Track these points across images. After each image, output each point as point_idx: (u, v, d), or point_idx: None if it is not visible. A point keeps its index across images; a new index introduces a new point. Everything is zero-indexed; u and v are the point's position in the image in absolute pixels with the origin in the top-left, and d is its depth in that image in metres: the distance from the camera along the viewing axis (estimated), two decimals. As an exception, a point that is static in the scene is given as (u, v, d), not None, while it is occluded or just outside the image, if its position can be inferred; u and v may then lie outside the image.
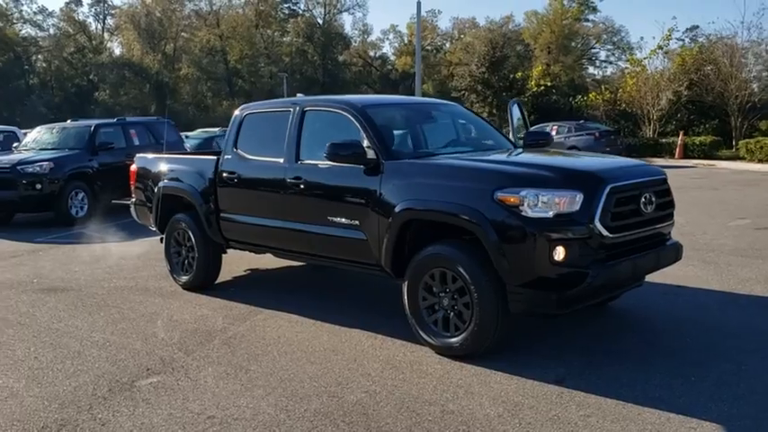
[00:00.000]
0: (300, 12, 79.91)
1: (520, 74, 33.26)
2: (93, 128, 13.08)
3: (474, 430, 3.57)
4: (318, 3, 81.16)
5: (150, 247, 9.21)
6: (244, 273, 7.61)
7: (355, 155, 5.03)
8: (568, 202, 4.21)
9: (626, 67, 68.65)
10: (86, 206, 12.36)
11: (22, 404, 4.13)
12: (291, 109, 5.85)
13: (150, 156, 7.56)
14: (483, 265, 4.39)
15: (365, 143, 5.12)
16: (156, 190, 7.04)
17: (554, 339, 4.95)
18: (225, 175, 6.26)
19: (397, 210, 4.77)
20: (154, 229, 7.39)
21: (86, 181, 12.42)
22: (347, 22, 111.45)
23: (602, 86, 31.99)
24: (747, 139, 22.72)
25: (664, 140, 25.16)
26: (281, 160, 5.76)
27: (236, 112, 6.50)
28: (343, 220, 5.23)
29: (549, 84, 31.83)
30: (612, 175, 4.48)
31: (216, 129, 22.16)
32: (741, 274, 6.70)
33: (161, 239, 7.47)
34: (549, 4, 72.43)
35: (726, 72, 25.55)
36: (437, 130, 5.97)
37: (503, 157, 5.33)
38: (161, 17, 71.82)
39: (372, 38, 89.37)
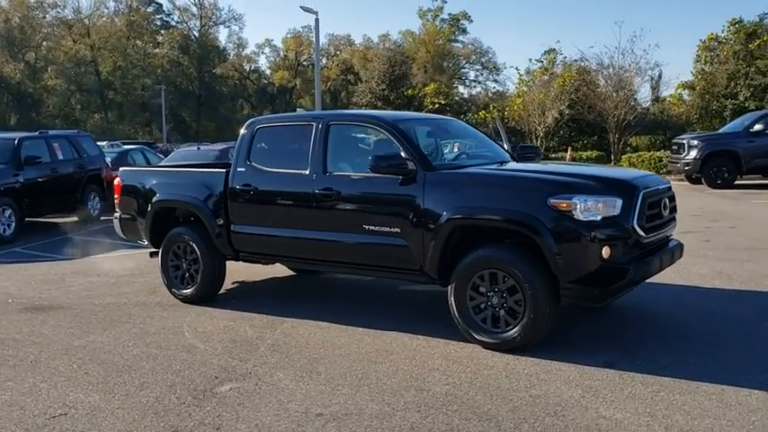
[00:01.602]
0: (174, 23, 77.90)
1: (411, 91, 34.38)
2: (17, 141, 12.42)
3: (569, 409, 4.01)
4: (194, 15, 79.60)
5: (109, 264, 9.05)
6: (233, 285, 7.66)
7: (398, 166, 5.37)
8: (611, 206, 4.78)
9: (494, 87, 72.23)
10: (13, 224, 11.71)
11: (115, 416, 4.13)
12: (314, 123, 6.07)
13: (137, 169, 7.48)
14: (535, 265, 4.86)
15: (403, 155, 5.46)
16: (150, 204, 6.98)
17: (580, 332, 5.49)
18: (238, 187, 6.37)
19: (446, 217, 5.15)
20: (145, 243, 7.30)
21: (13, 197, 11.78)
22: (223, 35, 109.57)
23: (492, 105, 33.77)
24: (630, 154, 24.92)
25: (553, 155, 26.99)
26: (306, 172, 5.97)
27: (245, 127, 6.60)
28: (383, 228, 5.53)
29: (443, 101, 33.22)
30: (642, 182, 5.11)
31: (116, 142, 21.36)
32: (695, 270, 7.59)
33: (151, 254, 7.41)
34: (422, 24, 75.13)
35: (602, 93, 27.84)
36: (453, 144, 6.39)
37: (538, 167, 5.85)
38: (21, 24, 67.63)
39: (247, 51, 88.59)
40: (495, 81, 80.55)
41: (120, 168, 7.70)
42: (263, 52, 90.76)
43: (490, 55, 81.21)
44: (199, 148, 16.88)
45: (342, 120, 6.17)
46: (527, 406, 4.08)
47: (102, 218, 14.33)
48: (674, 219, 5.57)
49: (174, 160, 15.11)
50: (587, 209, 4.73)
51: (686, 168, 18.04)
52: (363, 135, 6.07)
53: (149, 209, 6.98)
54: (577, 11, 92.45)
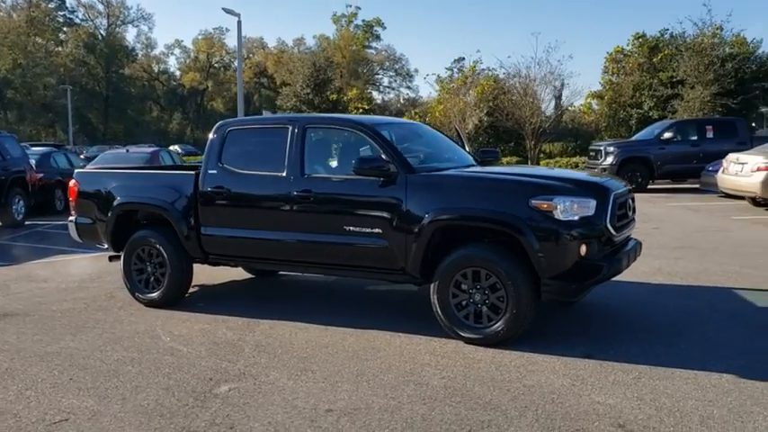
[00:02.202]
0: (79, 21, 74.82)
1: (334, 96, 34.53)
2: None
3: (564, 397, 4.28)
4: (100, 13, 76.79)
5: (52, 269, 8.76)
6: (195, 289, 7.57)
7: (380, 168, 5.53)
8: (587, 207, 5.11)
9: (407, 93, 73.29)
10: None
11: (120, 419, 4.09)
12: (289, 126, 6.13)
13: (94, 171, 7.30)
14: (517, 263, 5.13)
15: (384, 158, 5.63)
16: (111, 207, 6.83)
17: (553, 326, 5.80)
18: (210, 189, 6.35)
19: (429, 218, 5.34)
20: (105, 247, 7.14)
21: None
22: (131, 35, 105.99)
23: (413, 111, 34.35)
24: (546, 159, 25.97)
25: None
26: (283, 174, 6.03)
27: (215, 129, 6.58)
28: (364, 229, 5.67)
29: (366, 107, 33.50)
30: (611, 185, 5.48)
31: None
32: (638, 268, 8.08)
33: (110, 258, 7.26)
34: (336, 29, 75.56)
35: (519, 101, 28.90)
36: (423, 147, 6.59)
37: (515, 170, 6.12)
38: None
39: (156, 52, 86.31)
40: (409, 87, 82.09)
41: (76, 171, 7.49)
42: (172, 53, 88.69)
43: (403, 62, 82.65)
44: (128, 151, 16.43)
45: (318, 123, 6.28)
46: (525, 395, 4.31)
47: (26, 222, 13.74)
48: (634, 219, 5.97)
49: (105, 162, 14.72)
50: (566, 209, 5.03)
51: (603, 173, 19.01)
52: (341, 138, 6.19)
53: (111, 212, 6.82)
54: (495, 21, 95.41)
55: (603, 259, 5.21)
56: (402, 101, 77.91)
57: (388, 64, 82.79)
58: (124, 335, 5.85)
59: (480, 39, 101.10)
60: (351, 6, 75.85)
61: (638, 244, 6.04)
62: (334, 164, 6.15)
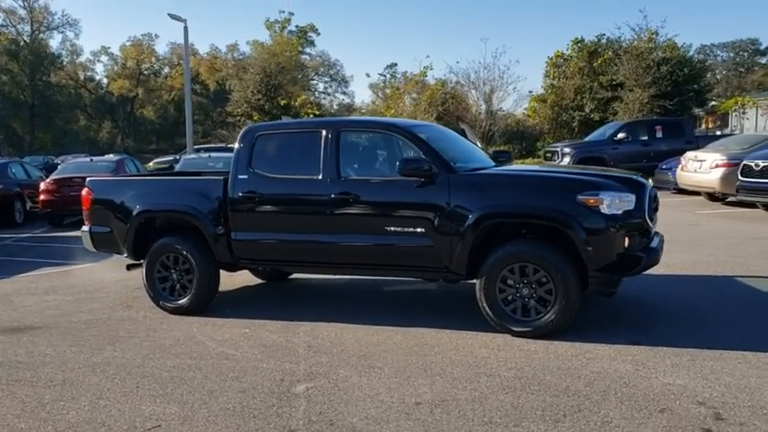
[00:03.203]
0: (-1, 27, 71.77)
1: (285, 101, 34.36)
2: None
3: (635, 380, 4.51)
4: (22, 19, 73.87)
5: (46, 282, 8.53)
6: (211, 295, 7.50)
7: (424, 169, 5.67)
8: (628, 201, 5.39)
9: (343, 99, 73.36)
10: None
11: (215, 423, 4.10)
12: (323, 130, 6.20)
13: (110, 179, 7.18)
14: (564, 256, 5.37)
15: (425, 159, 5.77)
16: (132, 215, 6.74)
17: (586, 317, 6.04)
18: (241, 194, 6.34)
19: (476, 215, 5.51)
20: (124, 255, 7.02)
21: None
22: (56, 41, 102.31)
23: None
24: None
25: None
26: (319, 177, 6.09)
27: (243, 135, 6.57)
28: (407, 229, 5.79)
29: (317, 112, 33.44)
30: (645, 181, 5.78)
31: None
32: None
33: (128, 267, 7.16)
34: (270, 35, 75.17)
35: (469, 105, 29.51)
36: (450, 148, 6.73)
37: (549, 168, 6.34)
38: None
39: (82, 59, 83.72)
40: (344, 93, 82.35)
41: (90, 179, 7.33)
42: (99, 60, 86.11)
43: (338, 67, 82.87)
44: (92, 160, 15.99)
45: (353, 126, 6.37)
46: (597, 381, 4.53)
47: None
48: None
49: (70, 172, 14.35)
50: (611, 204, 5.30)
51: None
52: (376, 141, 6.30)
53: (133, 219, 6.72)
54: (426, 27, 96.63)
55: (642, 251, 5.50)
56: (336, 106, 78.15)
57: (322, 69, 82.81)
58: (165, 342, 5.79)
59: (415, 45, 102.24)
60: (284, 12, 75.57)
61: (662, 238, 6.37)
62: (370, 166, 6.24)
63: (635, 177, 5.78)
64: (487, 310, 5.59)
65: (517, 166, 6.56)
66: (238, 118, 34.30)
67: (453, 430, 3.87)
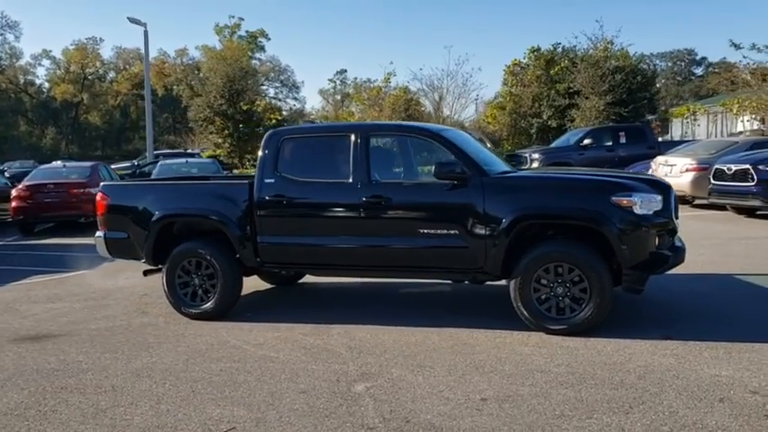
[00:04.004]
0: (-70, 29, 69.03)
1: (248, 106, 34.06)
2: None
3: (683, 372, 4.71)
4: (-40, 22, 71.21)
5: (42, 290, 8.36)
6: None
7: (458, 173, 5.80)
8: (656, 202, 5.63)
9: (294, 105, 73.16)
10: None
11: (290, 423, 4.13)
12: (351, 134, 6.25)
13: (127, 184, 7.08)
14: (598, 255, 5.56)
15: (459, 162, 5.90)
16: (152, 220, 6.66)
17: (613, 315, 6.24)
18: (268, 198, 6.35)
19: (512, 217, 5.66)
20: (142, 261, 6.93)
21: None
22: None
23: (321, 121, 34.48)
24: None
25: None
26: (349, 180, 6.15)
27: (268, 138, 6.57)
28: (440, 231, 5.90)
29: (279, 117, 33.22)
30: (668, 183, 6.03)
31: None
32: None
33: (145, 273, 7.07)
34: (220, 40, 74.55)
35: (429, 112, 29.84)
36: (480, 152, 6.83)
37: (576, 171, 6.53)
38: None
39: (22, 62, 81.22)
40: (296, 99, 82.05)
41: (104, 184, 7.21)
42: (40, 64, 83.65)
43: (289, 73, 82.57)
44: (65, 166, 15.60)
45: (382, 130, 6.47)
46: (647, 374, 4.72)
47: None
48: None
49: (42, 178, 14.04)
50: (643, 205, 5.52)
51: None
52: (406, 145, 6.39)
53: (153, 224, 6.64)
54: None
55: (669, 249, 5.74)
56: (285, 112, 77.72)
57: (273, 75, 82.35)
58: (200, 347, 5.76)
59: (367, 51, 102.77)
60: (234, 17, 74.79)
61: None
62: (399, 170, 6.33)
63: (660, 180, 6.03)
64: (522, 309, 5.73)
65: (543, 170, 6.71)
66: (201, 123, 33.77)
67: (529, 423, 3.99)
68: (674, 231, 5.82)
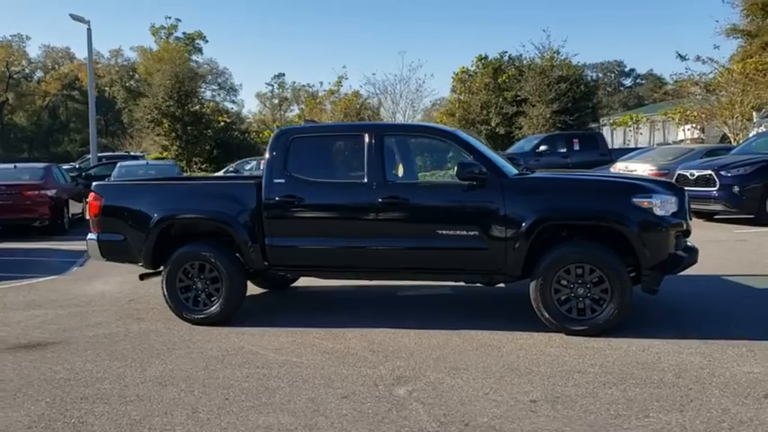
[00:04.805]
0: None
1: (196, 108, 33.30)
2: None
3: (716, 370, 4.79)
4: None
5: (16, 296, 7.93)
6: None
7: (479, 174, 5.76)
8: (673, 203, 5.74)
9: (232, 108, 72.23)
10: None
11: (339, 428, 4.00)
12: (365, 133, 6.14)
13: (123, 183, 6.77)
14: (618, 256, 5.62)
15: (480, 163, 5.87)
16: (151, 221, 6.38)
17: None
18: (278, 199, 6.17)
19: (534, 218, 5.66)
20: (140, 264, 6.63)
21: None
22: None
23: (277, 125, 34.02)
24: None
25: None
26: (365, 181, 6.04)
27: (276, 137, 6.40)
28: (459, 233, 5.85)
29: (227, 120, 32.56)
30: (680, 185, 6.15)
31: None
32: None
33: (142, 276, 6.78)
34: (156, 41, 73.09)
35: (381, 117, 29.89)
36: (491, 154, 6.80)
37: (593, 173, 6.57)
38: None
39: None
40: (233, 102, 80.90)
41: (97, 184, 6.83)
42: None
43: (227, 75, 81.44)
44: (15, 167, 14.86)
45: (396, 131, 6.38)
46: (684, 372, 4.78)
47: None
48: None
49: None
50: (662, 206, 5.61)
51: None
52: (421, 145, 6.32)
53: (152, 226, 6.35)
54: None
55: (684, 250, 5.85)
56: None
57: (210, 77, 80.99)
58: (216, 354, 5.53)
59: (305, 54, 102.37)
60: (170, 18, 73.28)
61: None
62: (415, 170, 6.25)
63: (673, 182, 6.13)
64: (543, 310, 5.73)
65: (555, 173, 6.75)
66: (149, 125, 32.77)
67: (590, 423, 3.97)
68: (687, 233, 5.92)
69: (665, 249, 5.62)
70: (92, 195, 6.67)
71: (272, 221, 6.19)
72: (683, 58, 24.35)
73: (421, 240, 5.94)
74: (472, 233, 5.82)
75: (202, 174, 27.82)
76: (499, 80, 33.07)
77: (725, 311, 6.42)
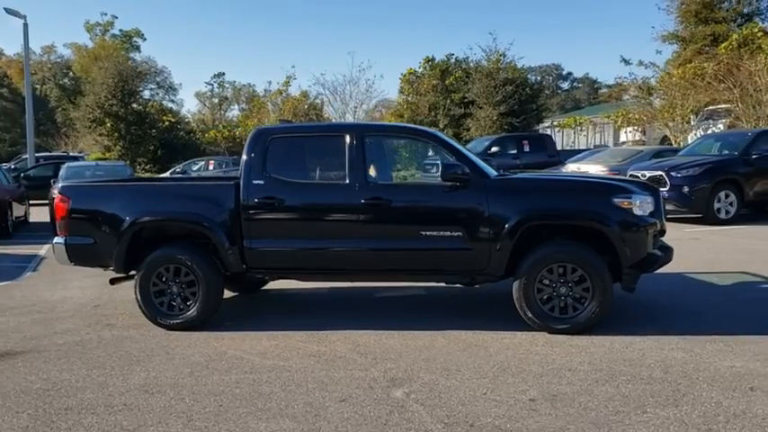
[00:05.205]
0: None
1: (140, 107, 32.43)
2: None
3: (701, 365, 4.91)
4: None
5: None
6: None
7: (462, 174, 5.79)
8: (650, 204, 5.88)
9: (171, 107, 71.01)
10: None
11: (351, 433, 3.94)
12: (346, 134, 6.07)
13: (93, 185, 6.54)
14: (599, 256, 5.73)
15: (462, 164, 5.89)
16: (124, 224, 6.17)
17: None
18: (257, 200, 6.06)
19: (517, 218, 5.71)
20: (110, 269, 6.41)
21: None
22: None
23: (221, 125, 33.45)
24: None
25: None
26: (346, 182, 5.99)
27: (254, 137, 6.27)
28: (443, 233, 5.86)
29: (172, 119, 31.80)
30: (654, 185, 6.31)
31: None
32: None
33: (112, 281, 6.57)
34: (91, 38, 71.31)
35: (328, 118, 29.77)
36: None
37: (573, 174, 6.64)
38: None
39: None
40: (172, 101, 79.32)
41: (65, 185, 6.58)
42: None
43: (166, 74, 79.81)
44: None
45: (378, 131, 6.33)
46: (671, 367, 4.90)
47: None
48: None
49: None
50: (641, 206, 5.74)
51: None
52: (402, 146, 6.29)
53: (125, 229, 6.15)
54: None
55: (659, 249, 6.00)
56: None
57: (149, 76, 79.21)
58: (198, 360, 5.39)
59: (243, 54, 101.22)
60: (106, 15, 71.51)
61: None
62: (396, 171, 6.22)
63: (649, 183, 6.29)
64: (525, 309, 5.79)
65: (537, 173, 6.83)
66: (91, 124, 31.69)
67: (593, 420, 4.02)
68: (663, 232, 6.08)
69: (644, 248, 5.75)
70: (59, 197, 6.40)
71: (251, 223, 6.07)
72: (626, 62, 25.08)
73: (404, 242, 5.92)
74: (456, 234, 5.83)
75: (148, 175, 27.16)
76: (447, 82, 33.39)
77: (695, 308, 6.61)
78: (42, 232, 13.73)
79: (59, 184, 6.61)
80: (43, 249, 11.67)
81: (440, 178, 5.79)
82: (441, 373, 4.90)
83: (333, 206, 6.05)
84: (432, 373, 4.92)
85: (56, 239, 6.45)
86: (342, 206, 5.99)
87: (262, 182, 6.08)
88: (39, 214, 17.30)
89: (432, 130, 6.61)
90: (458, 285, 6.64)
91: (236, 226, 6.08)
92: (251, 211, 6.05)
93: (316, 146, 6.32)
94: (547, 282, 5.77)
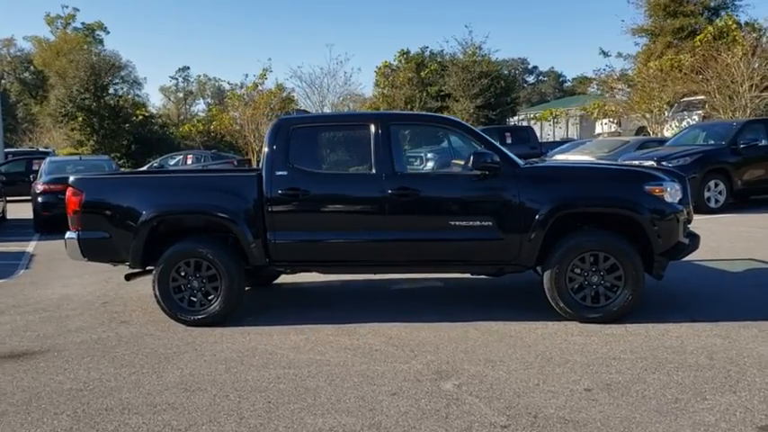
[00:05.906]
0: None
1: (113, 101, 31.72)
2: None
3: (743, 350, 4.91)
4: None
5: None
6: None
7: (492, 163, 5.71)
8: (678, 191, 5.87)
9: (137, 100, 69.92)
10: None
11: (411, 427, 3.84)
12: (371, 123, 5.94)
13: (107, 177, 6.31)
14: (631, 244, 5.70)
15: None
16: (141, 217, 5.97)
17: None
18: (281, 192, 5.91)
19: (550, 207, 5.65)
20: (127, 264, 6.20)
21: None
22: None
23: (196, 119, 32.91)
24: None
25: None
26: (373, 172, 5.86)
27: (275, 128, 6.11)
28: (473, 223, 5.77)
29: (146, 114, 31.17)
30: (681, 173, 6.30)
31: None
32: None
33: (127, 276, 6.35)
34: (51, 31, 69.81)
35: (307, 111, 29.50)
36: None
37: (604, 162, 6.59)
38: None
39: None
40: (137, 96, 77.98)
41: (77, 178, 6.30)
42: None
43: (130, 68, 78.34)
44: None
45: (404, 120, 6.20)
46: (715, 354, 4.89)
47: None
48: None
49: None
50: (672, 193, 5.73)
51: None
52: (429, 135, 6.19)
53: (143, 223, 5.94)
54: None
55: (687, 237, 6.00)
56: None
57: (120, 70, 77.77)
58: (231, 355, 5.23)
59: (210, 47, 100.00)
60: (67, 7, 69.90)
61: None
62: (424, 160, 6.12)
63: (676, 171, 6.28)
64: (558, 299, 5.73)
65: (566, 162, 6.77)
66: (63, 119, 30.87)
67: (656, 408, 3.98)
68: (690, 220, 6.07)
69: (676, 236, 5.73)
70: (70, 190, 6.16)
71: (274, 216, 5.91)
72: (605, 54, 25.27)
73: (433, 232, 5.82)
74: (486, 224, 5.75)
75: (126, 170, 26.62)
76: (422, 74, 33.35)
77: (715, 295, 6.64)
78: (24, 229, 13.30)
79: (71, 178, 6.30)
80: (30, 246, 11.29)
81: (470, 167, 5.67)
82: (485, 365, 4.82)
83: (359, 197, 5.93)
84: (475, 364, 4.84)
85: (68, 234, 6.21)
86: (368, 197, 5.87)
87: (285, 173, 5.91)
88: (16, 211, 16.81)
89: (456, 118, 6.50)
90: (480, 276, 6.58)
91: (258, 218, 5.91)
92: (274, 204, 5.89)
93: (339, 135, 6.18)
94: (578, 271, 5.72)
